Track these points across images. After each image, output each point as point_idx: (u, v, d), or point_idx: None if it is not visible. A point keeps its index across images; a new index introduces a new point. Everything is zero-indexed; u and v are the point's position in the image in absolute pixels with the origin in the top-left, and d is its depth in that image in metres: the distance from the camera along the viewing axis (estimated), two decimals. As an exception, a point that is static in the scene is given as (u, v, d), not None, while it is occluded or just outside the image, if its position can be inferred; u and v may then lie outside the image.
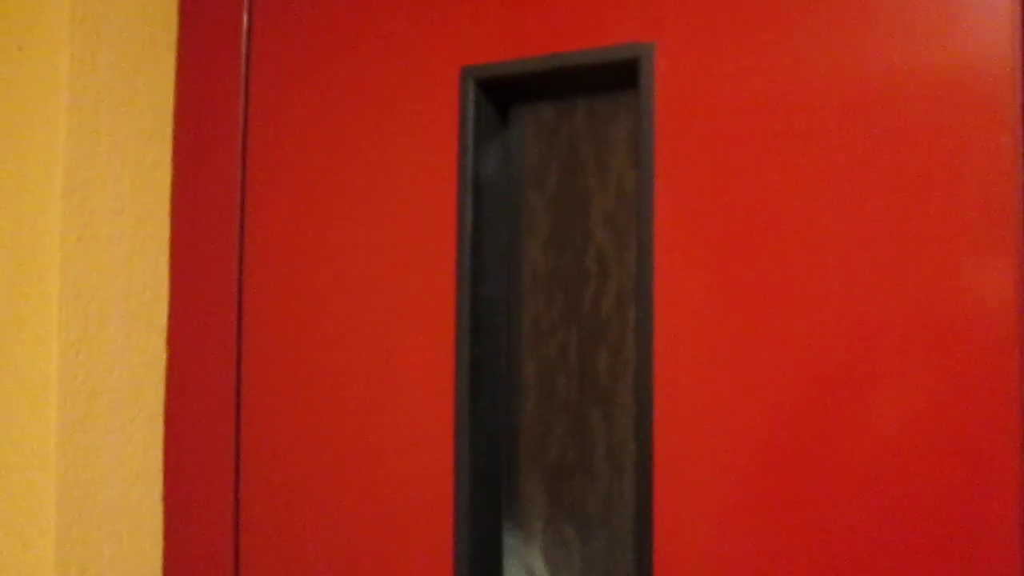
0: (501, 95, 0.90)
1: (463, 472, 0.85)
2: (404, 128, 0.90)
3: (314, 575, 0.91)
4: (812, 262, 0.75)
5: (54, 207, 0.84)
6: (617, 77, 0.84)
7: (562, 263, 0.89)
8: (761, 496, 0.76)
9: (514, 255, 0.91)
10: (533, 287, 0.90)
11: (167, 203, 0.98)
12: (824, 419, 0.74)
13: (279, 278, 0.94)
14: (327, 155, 0.93)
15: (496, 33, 0.87)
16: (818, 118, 0.75)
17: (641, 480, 0.80)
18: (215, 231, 0.97)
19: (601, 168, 0.88)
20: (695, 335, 0.78)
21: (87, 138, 0.87)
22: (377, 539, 0.88)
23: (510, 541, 0.90)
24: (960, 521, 0.69)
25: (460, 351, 0.85)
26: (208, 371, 0.96)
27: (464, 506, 0.85)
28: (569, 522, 0.87)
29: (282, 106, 0.95)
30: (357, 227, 0.91)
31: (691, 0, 0.80)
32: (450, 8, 0.89)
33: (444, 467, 0.86)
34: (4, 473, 0.85)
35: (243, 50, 0.97)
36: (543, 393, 0.89)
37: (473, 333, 0.86)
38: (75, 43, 0.85)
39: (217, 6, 0.99)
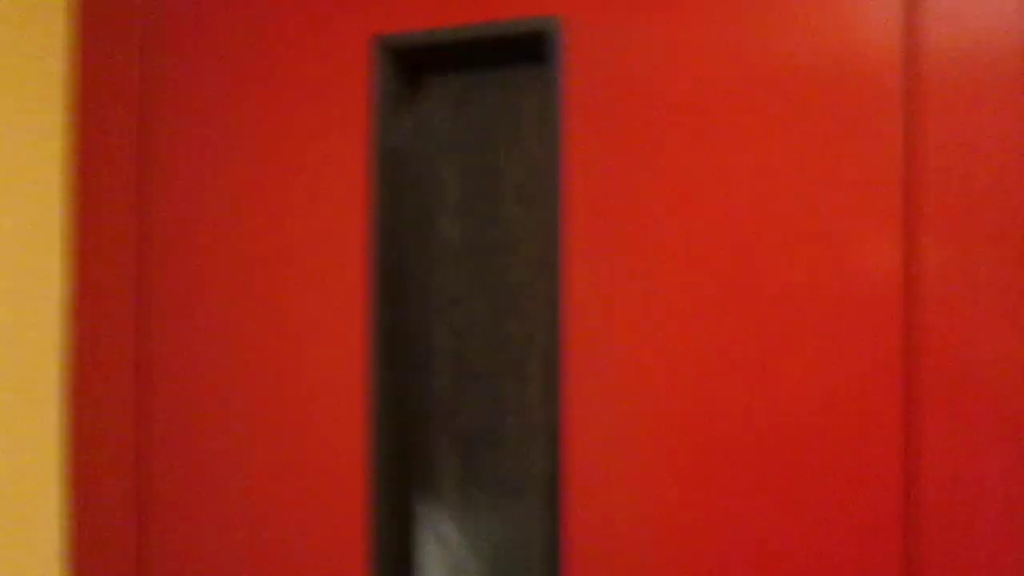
0: (413, 65, 0.90)
1: (376, 442, 0.86)
2: (315, 97, 0.89)
3: (223, 540, 0.90)
4: (715, 236, 0.77)
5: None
6: (526, 50, 0.85)
7: (473, 234, 0.90)
8: (666, 463, 0.78)
9: (426, 226, 0.91)
10: (444, 258, 0.91)
11: (61, 189, 0.95)
12: (724, 386, 0.77)
13: (188, 256, 0.92)
14: (236, 125, 0.91)
15: (408, 2, 0.86)
16: (721, 96, 0.77)
17: (551, 448, 0.82)
18: (116, 207, 0.94)
19: (512, 141, 0.89)
20: (602, 306, 0.80)
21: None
22: (290, 510, 0.89)
23: (423, 510, 0.91)
24: (849, 477, 0.73)
25: (372, 322, 0.86)
26: (109, 348, 0.94)
27: (377, 476, 0.86)
28: (481, 490, 0.89)
29: (186, 73, 0.93)
30: (268, 198, 0.90)
31: (599, -26, 0.81)
32: (360, -24, 0.88)
33: (357, 438, 0.86)
34: None
35: (143, 12, 0.94)
36: (455, 363, 0.90)
37: (385, 304, 0.86)
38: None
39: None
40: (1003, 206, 0.71)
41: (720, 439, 0.77)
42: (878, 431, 0.73)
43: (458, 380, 0.90)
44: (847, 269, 0.74)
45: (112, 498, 0.94)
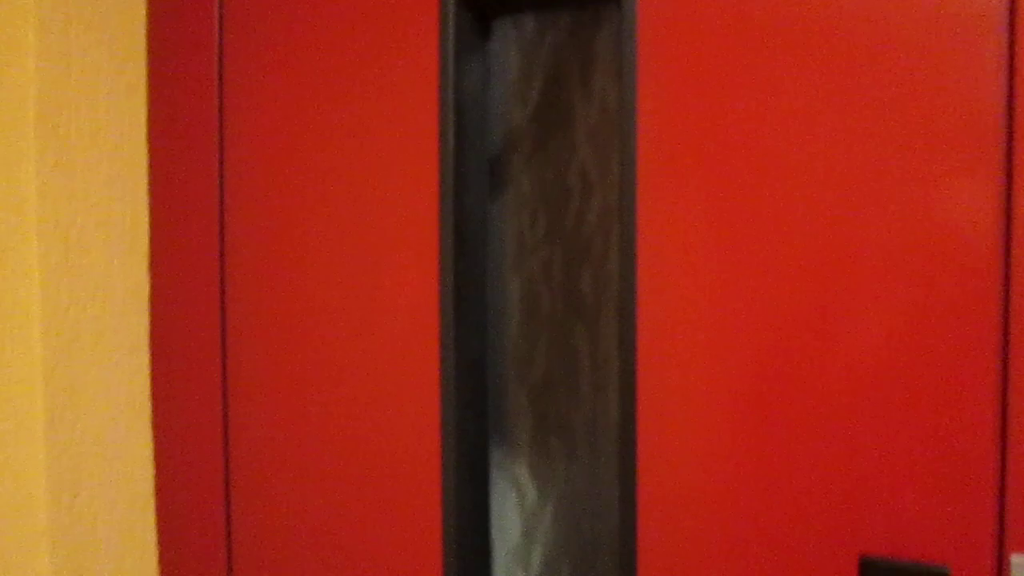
0: (482, 7, 0.88)
1: (449, 390, 0.86)
2: (384, 44, 0.88)
3: (305, 494, 0.93)
4: (797, 178, 0.74)
5: (28, 133, 0.83)
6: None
7: (546, 179, 0.88)
8: (744, 411, 0.77)
9: (497, 172, 0.90)
10: (516, 204, 0.89)
11: (144, 128, 0.96)
12: (808, 333, 0.74)
13: (262, 202, 0.93)
14: (309, 74, 0.91)
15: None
16: (802, 35, 0.73)
17: (624, 394, 0.81)
18: (195, 154, 0.95)
19: (584, 83, 0.86)
20: (678, 250, 0.78)
21: (58, 61, 0.85)
22: (367, 458, 0.90)
23: (496, 456, 0.92)
24: (939, 432, 0.71)
25: (444, 270, 0.85)
26: (192, 296, 0.96)
27: (451, 423, 0.86)
28: (554, 436, 0.89)
29: (260, 26, 0.93)
30: (340, 147, 0.90)
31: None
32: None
33: (430, 386, 0.87)
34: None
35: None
36: (527, 310, 0.89)
37: (457, 252, 0.86)
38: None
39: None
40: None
41: (799, 388, 0.75)
42: (971, 385, 0.70)
43: (532, 328, 0.89)
44: (941, 216, 0.70)
45: (196, 440, 0.97)
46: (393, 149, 0.88)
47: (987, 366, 0.69)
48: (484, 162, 0.90)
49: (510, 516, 0.92)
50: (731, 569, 0.78)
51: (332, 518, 0.92)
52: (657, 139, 0.78)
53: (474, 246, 0.89)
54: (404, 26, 0.87)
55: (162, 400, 0.98)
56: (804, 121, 0.74)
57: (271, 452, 0.94)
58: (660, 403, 0.80)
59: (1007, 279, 0.69)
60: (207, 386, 0.96)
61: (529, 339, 0.89)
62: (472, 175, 0.88)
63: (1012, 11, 0.68)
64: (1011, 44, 0.68)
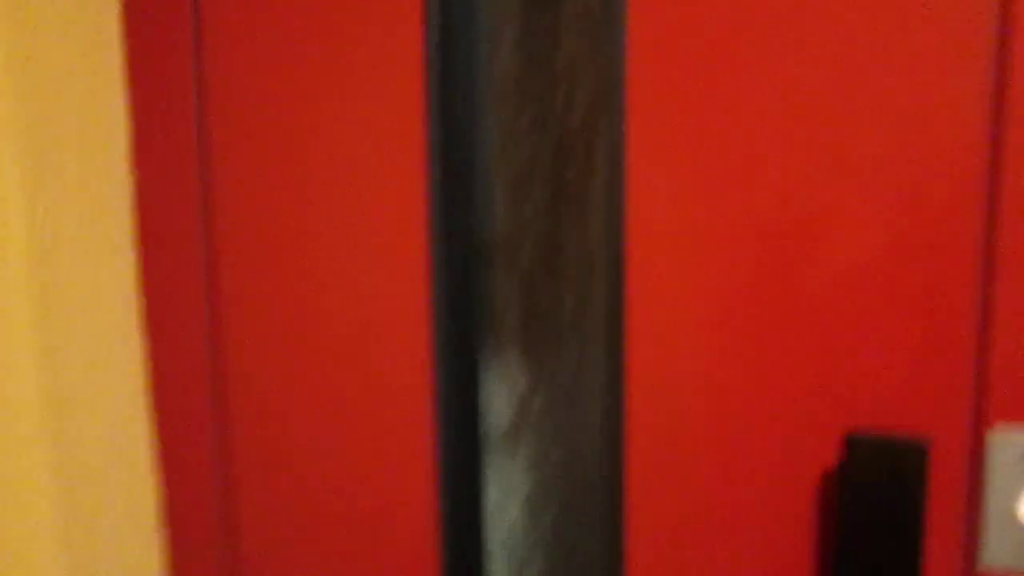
0: None
1: (439, 279, 0.86)
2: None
3: (299, 386, 0.93)
4: (788, 77, 0.73)
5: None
6: None
7: (531, 70, 0.86)
8: (732, 296, 0.77)
9: (483, 58, 0.88)
10: (502, 96, 0.88)
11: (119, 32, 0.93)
12: (796, 227, 0.74)
13: (242, 98, 0.91)
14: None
15: None
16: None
17: (613, 282, 0.81)
18: (171, 57, 0.92)
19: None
20: (667, 140, 0.77)
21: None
22: (356, 347, 0.90)
23: (485, 347, 0.92)
24: (922, 313, 0.72)
25: (430, 157, 0.84)
26: (174, 192, 0.94)
27: (440, 314, 0.86)
28: (543, 323, 0.89)
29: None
30: (326, 31, 0.87)
31: None
32: None
33: (418, 273, 0.86)
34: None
35: None
36: (515, 199, 0.89)
37: (442, 140, 0.84)
38: None
39: None
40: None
41: (787, 275, 0.75)
42: (952, 293, 0.70)
43: (519, 216, 0.89)
44: (930, 128, 0.69)
45: (186, 336, 0.96)
46: (375, 36, 0.85)
47: (970, 252, 0.70)
48: (468, 51, 0.88)
49: (499, 406, 0.93)
50: (720, 447, 0.80)
51: (323, 397, 0.93)
52: (648, 25, 0.76)
53: (459, 135, 0.87)
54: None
55: (151, 298, 0.97)
56: (794, 23, 0.72)
57: (259, 333, 0.94)
58: (648, 288, 0.80)
59: (992, 173, 0.69)
60: (194, 284, 0.95)
61: (516, 226, 0.89)
62: (456, 63, 0.86)
63: None
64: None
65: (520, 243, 0.89)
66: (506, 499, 0.93)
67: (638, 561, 0.84)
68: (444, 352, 0.88)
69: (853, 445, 0.71)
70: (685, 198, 0.77)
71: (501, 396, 0.92)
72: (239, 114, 0.91)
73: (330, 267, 0.90)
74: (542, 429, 0.90)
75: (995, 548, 0.72)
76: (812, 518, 0.77)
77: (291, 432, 0.94)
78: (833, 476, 0.76)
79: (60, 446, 0.87)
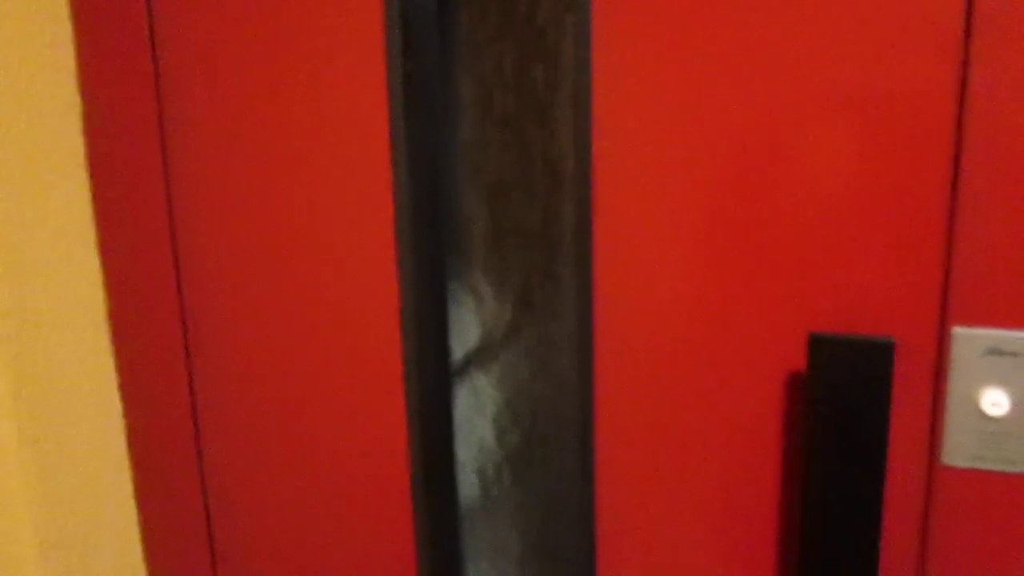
0: None
1: (403, 194, 0.85)
2: None
3: (264, 305, 0.92)
4: (762, 18, 0.72)
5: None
6: None
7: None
8: (698, 214, 0.77)
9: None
10: (468, 2, 0.85)
11: None
12: (767, 151, 0.74)
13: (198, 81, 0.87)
14: None
15: None
16: None
17: (581, 194, 0.80)
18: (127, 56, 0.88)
19: None
20: (638, 52, 0.76)
21: None
22: (323, 270, 0.89)
23: (453, 264, 0.91)
24: (888, 216, 0.72)
25: (392, 68, 0.82)
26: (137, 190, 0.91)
27: (405, 229, 0.85)
28: (510, 239, 0.88)
29: None
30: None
31: None
32: None
33: (383, 189, 0.85)
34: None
35: None
36: (481, 111, 0.87)
37: (405, 48, 0.82)
38: None
39: None
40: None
41: (757, 191, 0.75)
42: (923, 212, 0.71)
43: (485, 129, 0.87)
44: (902, 70, 0.69)
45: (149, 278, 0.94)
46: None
47: (939, 160, 0.70)
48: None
49: (467, 323, 0.92)
50: (688, 354, 0.80)
51: (290, 317, 0.91)
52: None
53: (422, 44, 0.85)
54: None
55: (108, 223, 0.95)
56: None
57: (220, 263, 0.92)
58: (616, 203, 0.79)
59: (962, 93, 0.69)
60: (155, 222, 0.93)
61: (483, 139, 0.87)
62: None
63: None
64: None
65: (485, 157, 0.87)
66: (477, 415, 0.93)
67: (608, 468, 0.84)
68: (410, 272, 0.87)
69: (818, 344, 0.71)
70: (655, 110, 0.76)
71: (469, 312, 0.91)
72: (196, 106, 0.88)
73: (293, 188, 0.88)
74: (511, 346, 0.90)
75: (958, 443, 0.73)
76: (780, 419, 0.78)
77: (257, 366, 0.93)
78: (800, 376, 0.76)
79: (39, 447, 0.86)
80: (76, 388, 0.93)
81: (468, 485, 0.95)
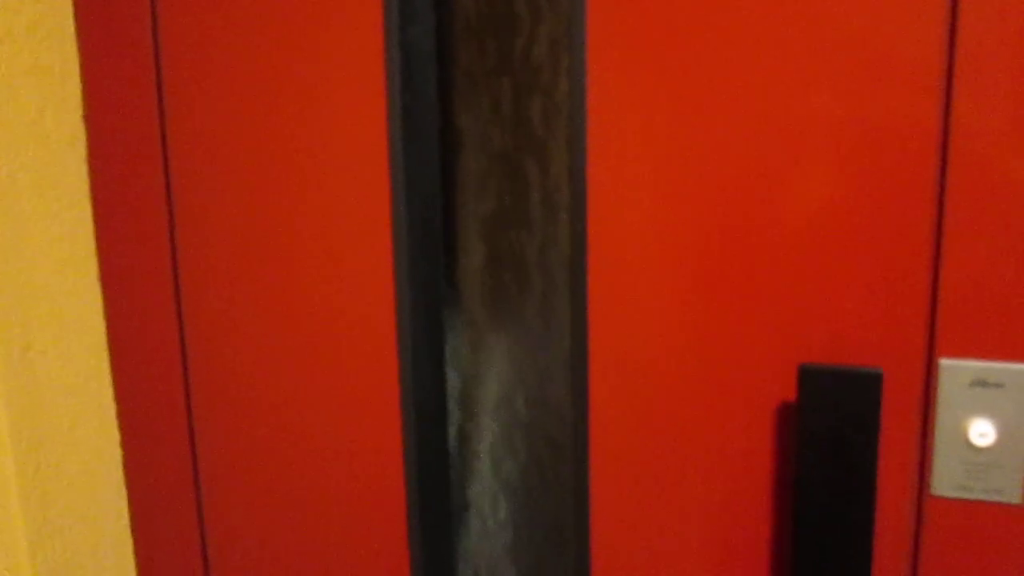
0: None
1: (400, 225, 0.86)
2: None
3: (260, 314, 0.93)
4: (749, 24, 0.74)
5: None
6: None
7: (493, 8, 0.86)
8: (694, 239, 0.78)
9: (444, 5, 0.88)
10: (464, 34, 0.87)
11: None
12: (755, 181, 0.76)
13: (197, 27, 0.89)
14: None
15: None
16: None
17: (576, 224, 0.82)
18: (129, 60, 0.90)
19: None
20: (629, 83, 0.78)
21: None
22: (320, 293, 0.90)
23: (450, 293, 0.93)
24: (877, 249, 0.74)
25: (391, 102, 0.84)
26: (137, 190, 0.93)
27: (403, 260, 0.87)
28: (506, 269, 0.90)
29: None
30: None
31: None
32: None
33: (381, 218, 0.86)
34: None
35: None
36: (477, 143, 0.89)
37: (404, 82, 0.84)
38: None
39: None
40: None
41: (747, 221, 0.77)
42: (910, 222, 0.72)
43: (481, 161, 0.89)
44: (888, 98, 0.71)
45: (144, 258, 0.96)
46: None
47: (925, 191, 0.72)
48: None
49: (462, 355, 0.93)
50: (680, 381, 0.81)
51: (288, 353, 0.92)
52: (607, -40, 0.77)
53: (421, 76, 0.87)
54: None
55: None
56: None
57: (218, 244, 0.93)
58: (610, 230, 0.81)
59: (946, 117, 0.71)
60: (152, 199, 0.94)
61: (480, 172, 0.89)
62: (417, 3, 0.86)
63: None
64: None
65: (481, 188, 0.89)
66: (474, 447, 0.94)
67: (602, 495, 0.85)
68: (407, 298, 0.88)
69: (808, 375, 0.72)
70: (647, 143, 0.78)
71: (464, 344, 0.92)
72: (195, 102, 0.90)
73: (294, 211, 0.89)
74: (506, 376, 0.91)
75: (946, 472, 0.74)
76: (771, 448, 0.79)
77: (254, 377, 0.94)
78: (790, 407, 0.78)
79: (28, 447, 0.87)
80: (72, 390, 0.94)
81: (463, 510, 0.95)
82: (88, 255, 0.95)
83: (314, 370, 0.92)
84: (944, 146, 0.71)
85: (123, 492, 1.01)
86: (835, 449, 0.73)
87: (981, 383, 0.72)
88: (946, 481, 0.75)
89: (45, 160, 0.89)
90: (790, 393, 0.78)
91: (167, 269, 0.94)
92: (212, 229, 0.92)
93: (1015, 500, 0.73)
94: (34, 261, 0.88)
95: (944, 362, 0.73)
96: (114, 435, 0.99)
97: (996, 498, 0.73)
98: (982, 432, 0.72)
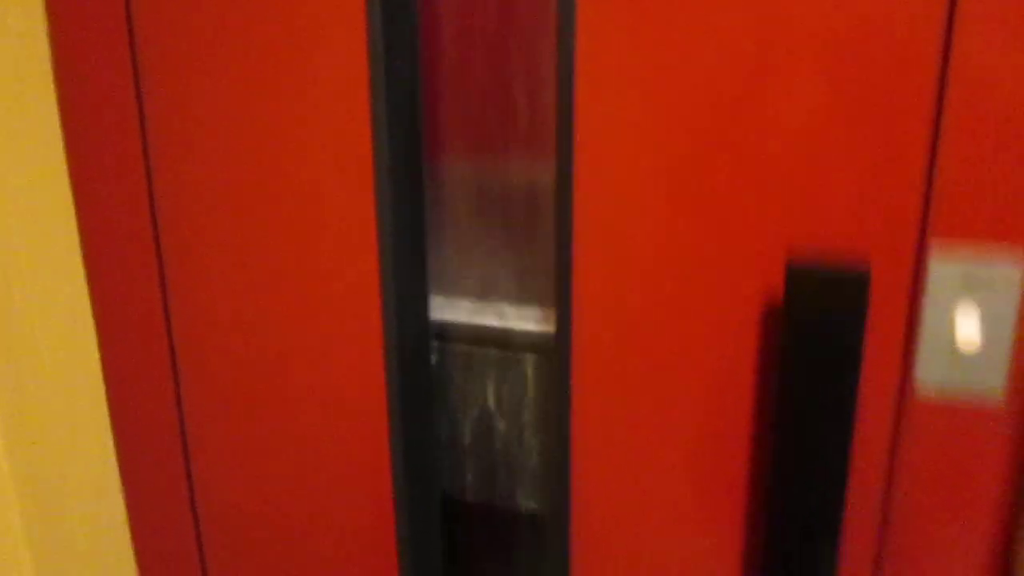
0: None
1: (382, 149, 0.83)
2: None
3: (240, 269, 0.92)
4: None
5: None
6: None
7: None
8: (680, 143, 0.76)
9: None
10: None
11: None
12: (746, 76, 0.73)
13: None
14: None
15: None
16: None
17: (562, 118, 0.80)
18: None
19: None
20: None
21: None
22: (302, 217, 0.89)
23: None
24: (868, 163, 0.72)
25: (374, 66, 0.80)
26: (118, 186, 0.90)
27: (384, 187, 0.84)
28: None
29: None
30: None
31: None
32: None
33: (362, 142, 0.84)
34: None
35: None
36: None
37: (387, 47, 0.80)
38: None
39: None
40: None
41: (736, 116, 0.74)
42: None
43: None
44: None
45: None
46: None
47: (922, 84, 0.69)
48: None
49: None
50: (667, 281, 0.80)
51: (269, 294, 0.92)
52: None
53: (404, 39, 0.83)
54: None
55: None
56: None
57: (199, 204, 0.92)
58: (597, 128, 0.79)
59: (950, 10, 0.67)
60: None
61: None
62: None
63: None
64: None
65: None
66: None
67: (585, 398, 0.86)
68: (389, 225, 0.86)
69: (795, 275, 0.71)
70: (635, 34, 0.75)
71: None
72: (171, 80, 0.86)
73: (276, 146, 0.87)
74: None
75: (930, 368, 0.74)
76: (756, 348, 0.79)
77: (243, 370, 0.94)
78: (777, 311, 0.77)
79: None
80: (60, 378, 0.95)
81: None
82: (65, 197, 0.95)
83: (298, 300, 0.91)
84: (947, 37, 0.68)
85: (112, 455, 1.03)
86: (821, 348, 0.73)
87: (970, 282, 0.71)
88: (931, 380, 0.74)
89: (23, 146, 0.88)
90: (777, 296, 0.77)
91: (143, 192, 0.93)
92: (192, 162, 0.90)
93: (998, 397, 0.73)
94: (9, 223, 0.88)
95: (934, 261, 0.72)
96: (100, 395, 1.01)
97: (979, 398, 0.73)
98: (968, 330, 0.71)
